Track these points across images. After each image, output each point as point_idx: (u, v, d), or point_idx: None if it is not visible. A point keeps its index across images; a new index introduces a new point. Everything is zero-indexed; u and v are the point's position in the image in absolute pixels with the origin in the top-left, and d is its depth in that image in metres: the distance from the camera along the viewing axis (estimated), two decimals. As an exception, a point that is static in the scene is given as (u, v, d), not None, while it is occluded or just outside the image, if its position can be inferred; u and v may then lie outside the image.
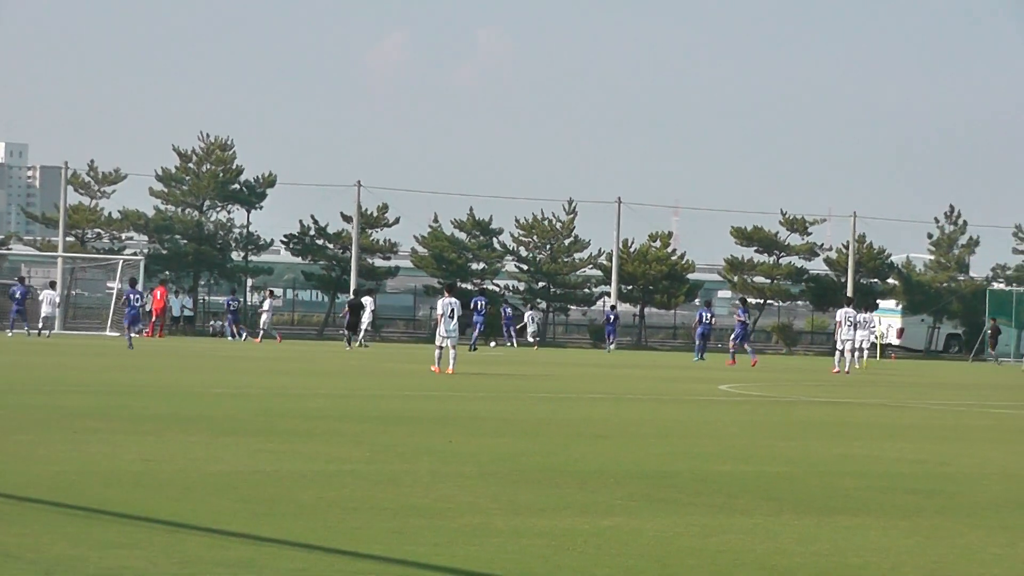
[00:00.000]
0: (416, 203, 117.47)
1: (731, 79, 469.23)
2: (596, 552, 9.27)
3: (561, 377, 35.73)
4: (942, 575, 9.03)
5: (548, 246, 77.96)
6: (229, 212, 75.48)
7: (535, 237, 78.06)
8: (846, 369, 45.18)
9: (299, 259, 77.76)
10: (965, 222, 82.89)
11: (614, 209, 77.29)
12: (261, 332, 61.13)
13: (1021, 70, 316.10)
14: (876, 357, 63.62)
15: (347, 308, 58.84)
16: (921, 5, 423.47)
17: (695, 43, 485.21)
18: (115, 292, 65.73)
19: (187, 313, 72.44)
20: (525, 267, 78.12)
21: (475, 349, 56.51)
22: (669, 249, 79.72)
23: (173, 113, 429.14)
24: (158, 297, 62.68)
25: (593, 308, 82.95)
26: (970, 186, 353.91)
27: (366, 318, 56.78)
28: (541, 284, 77.65)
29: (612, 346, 65.38)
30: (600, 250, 78.80)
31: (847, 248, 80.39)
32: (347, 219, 75.37)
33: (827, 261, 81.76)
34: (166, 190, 74.53)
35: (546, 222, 77.90)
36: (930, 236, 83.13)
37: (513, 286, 78.68)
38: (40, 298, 58.37)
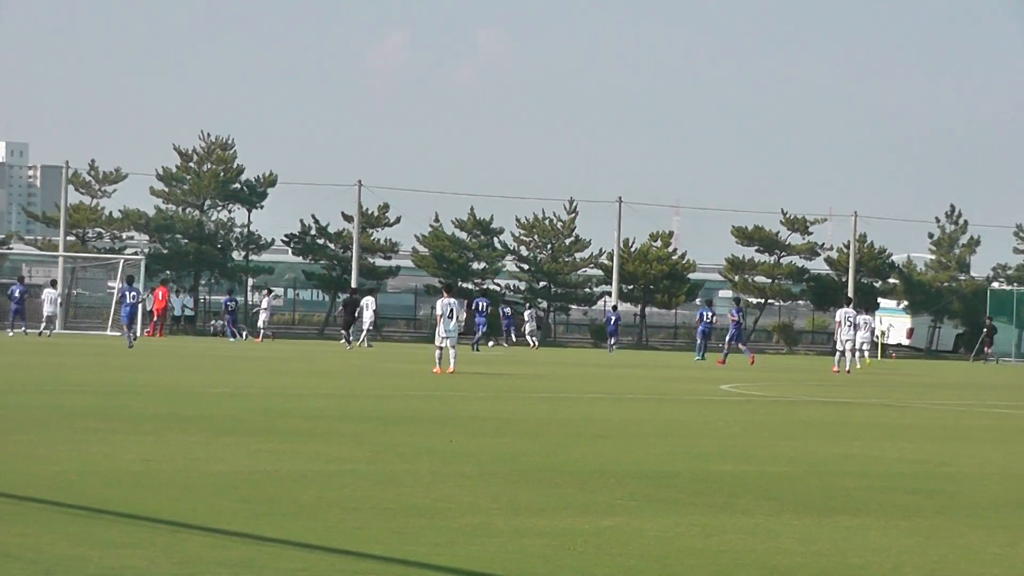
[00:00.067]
0: (417, 203, 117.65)
1: (731, 79, 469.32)
2: (597, 552, 9.27)
3: (561, 377, 35.73)
4: (943, 575, 9.04)
5: (549, 246, 77.97)
6: (230, 211, 75.52)
7: (536, 237, 78.06)
8: (847, 369, 45.19)
9: (300, 259, 77.78)
10: (966, 222, 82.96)
11: (615, 209, 77.33)
12: (261, 331, 61.13)
13: (1021, 70, 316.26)
14: (877, 357, 63.61)
15: (342, 307, 58.83)
16: (921, 5, 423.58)
17: (695, 43, 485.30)
18: (116, 292, 65.71)
19: (188, 313, 72.45)
20: (526, 267, 78.12)
21: (478, 350, 56.54)
22: (670, 249, 79.73)
23: (174, 112, 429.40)
24: (159, 297, 62.72)
25: (594, 308, 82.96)
26: (971, 186, 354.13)
27: (368, 318, 56.74)
28: (542, 284, 77.66)
29: (613, 347, 65.31)
30: (601, 250, 78.86)
31: (848, 248, 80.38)
32: (348, 219, 75.39)
33: (828, 261, 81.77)
34: (167, 189, 74.54)
35: (547, 222, 77.91)
36: (931, 236, 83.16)
37: (514, 286, 78.69)
38: (42, 297, 58.35)
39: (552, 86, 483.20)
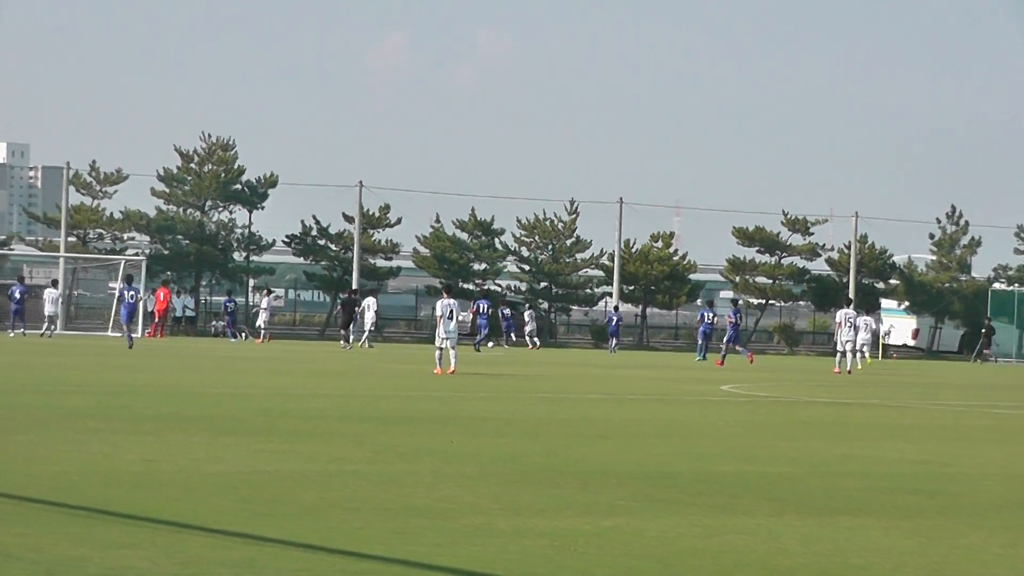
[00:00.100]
0: (418, 203, 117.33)
1: (731, 79, 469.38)
2: (598, 552, 9.26)
3: (562, 377, 35.71)
4: (944, 575, 9.03)
5: (550, 246, 77.95)
6: (231, 212, 75.53)
7: (537, 237, 78.04)
8: (847, 369, 45.18)
9: (301, 259, 77.77)
10: (967, 222, 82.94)
11: (616, 209, 77.30)
12: (262, 331, 61.09)
13: (1021, 70, 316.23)
14: (879, 357, 63.60)
15: (340, 306, 58.81)
16: (921, 5, 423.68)
17: (695, 43, 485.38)
18: (117, 292, 65.71)
19: (189, 313, 72.46)
20: (527, 267, 78.11)
21: (479, 351, 56.53)
22: (671, 249, 79.72)
23: (175, 113, 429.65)
24: (161, 298, 62.73)
25: (595, 308, 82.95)
26: (972, 186, 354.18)
27: (369, 318, 56.73)
28: (543, 284, 77.64)
29: (615, 348, 65.29)
30: (602, 250, 78.85)
31: (849, 248, 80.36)
32: (349, 219, 75.38)
33: (829, 261, 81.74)
34: (168, 190, 74.52)
35: (548, 222, 77.89)
36: (932, 236, 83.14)
37: (515, 286, 78.69)
38: (44, 296, 58.34)
39: (552, 86, 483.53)
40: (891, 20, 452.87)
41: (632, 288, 77.78)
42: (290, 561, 8.65)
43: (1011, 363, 70.00)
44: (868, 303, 72.80)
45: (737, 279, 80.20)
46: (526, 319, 69.66)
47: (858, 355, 47.04)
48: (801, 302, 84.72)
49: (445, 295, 34.51)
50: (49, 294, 58.13)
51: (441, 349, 33.53)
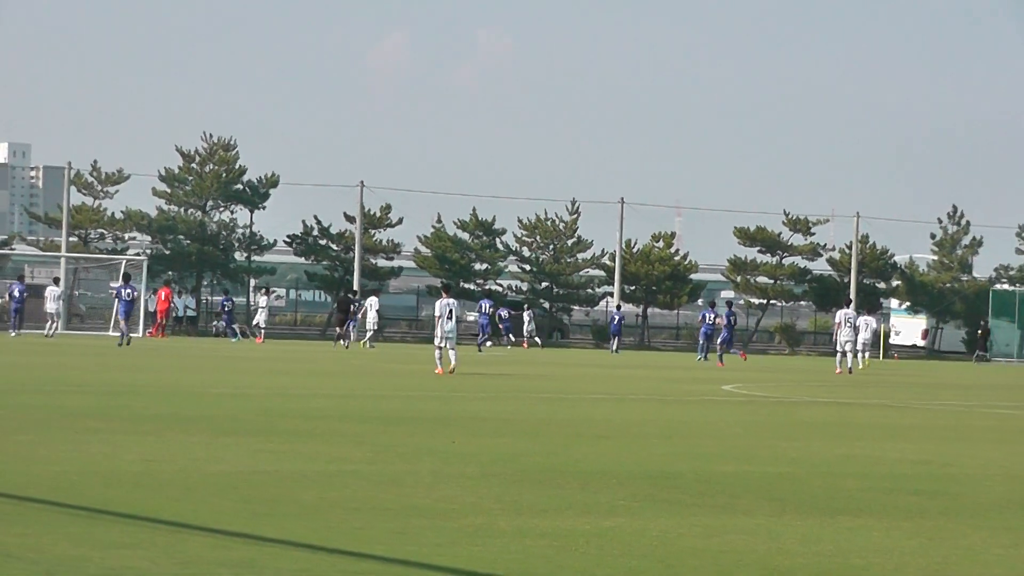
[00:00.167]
0: (419, 203, 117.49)
1: (732, 79, 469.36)
2: (599, 552, 9.25)
3: (563, 377, 35.71)
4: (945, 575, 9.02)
5: (551, 246, 77.97)
6: (232, 212, 75.60)
7: (538, 237, 78.08)
8: (848, 369, 45.18)
9: (302, 259, 77.81)
10: (968, 222, 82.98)
11: (617, 209, 77.34)
12: (261, 331, 61.06)
13: (1021, 70, 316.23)
14: (879, 357, 63.59)
15: (335, 306, 58.83)
16: (921, 5, 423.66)
17: (695, 43, 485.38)
18: (115, 291, 65.72)
19: (190, 313, 72.50)
20: (528, 267, 78.14)
21: (480, 351, 56.53)
22: (672, 249, 79.76)
23: (176, 113, 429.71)
24: (163, 298, 62.76)
25: (596, 308, 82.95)
26: (973, 186, 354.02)
27: (371, 318, 56.74)
28: (544, 284, 77.66)
29: (617, 347, 65.30)
30: (603, 250, 78.90)
31: (850, 248, 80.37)
32: (350, 219, 75.42)
33: (830, 261, 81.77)
34: (169, 190, 74.58)
35: (549, 222, 77.92)
36: (933, 236, 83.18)
37: (516, 286, 78.72)
38: (45, 295, 58.30)
39: (552, 86, 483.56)
40: (891, 20, 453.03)
41: (633, 288, 77.79)
42: (290, 561, 8.64)
43: (1012, 363, 70.00)
44: (869, 303, 72.86)
45: (738, 279, 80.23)
46: (525, 319, 69.70)
47: (859, 355, 47.03)
48: (802, 302, 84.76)
49: (444, 295, 34.49)
50: (51, 292, 58.12)
51: (441, 349, 33.51)
